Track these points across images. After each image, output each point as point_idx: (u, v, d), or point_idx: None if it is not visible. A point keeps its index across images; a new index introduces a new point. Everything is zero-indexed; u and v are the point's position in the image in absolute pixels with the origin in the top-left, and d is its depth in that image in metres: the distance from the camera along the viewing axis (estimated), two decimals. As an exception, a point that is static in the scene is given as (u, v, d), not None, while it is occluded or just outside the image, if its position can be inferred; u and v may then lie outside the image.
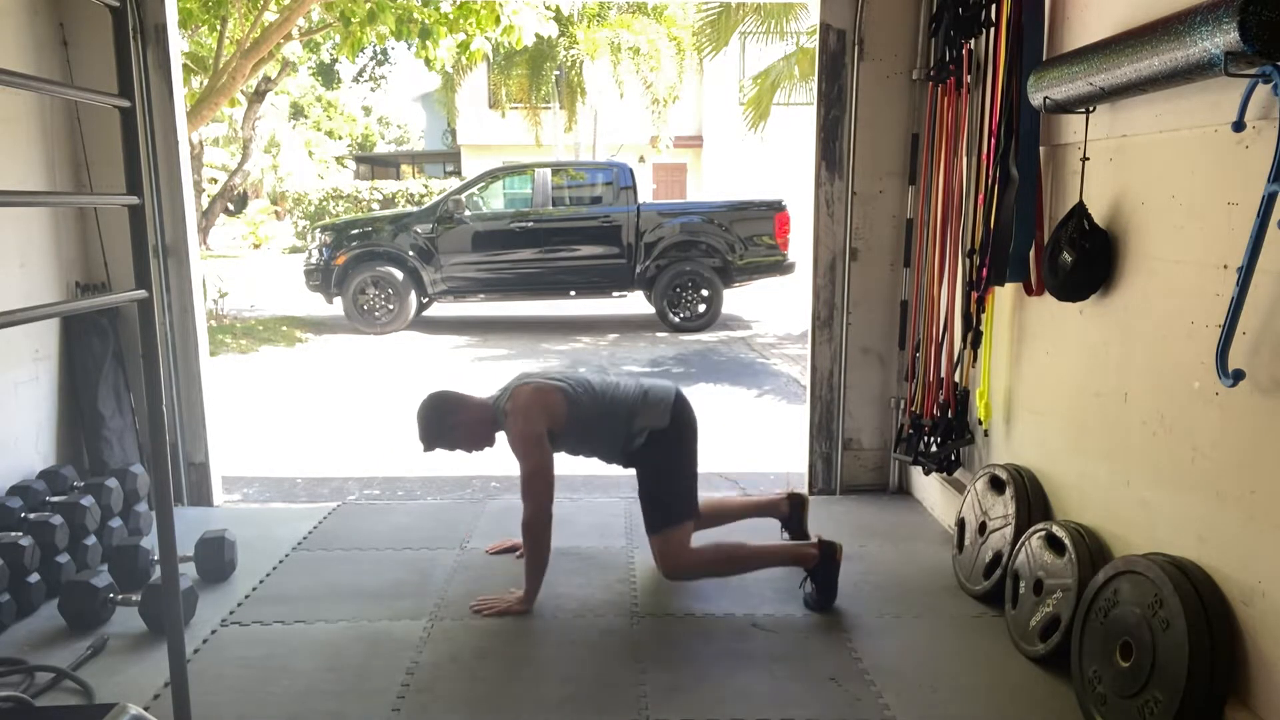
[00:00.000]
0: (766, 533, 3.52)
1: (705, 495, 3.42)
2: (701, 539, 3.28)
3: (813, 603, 3.13)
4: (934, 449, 3.78)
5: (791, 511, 3.56)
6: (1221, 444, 2.22)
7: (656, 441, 3.16)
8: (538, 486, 3.06)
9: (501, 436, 3.22)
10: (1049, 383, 3.10)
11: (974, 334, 3.42)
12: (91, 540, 3.42)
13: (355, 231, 10.74)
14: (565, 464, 3.61)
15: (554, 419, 3.10)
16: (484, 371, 8.33)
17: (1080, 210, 2.70)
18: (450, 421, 3.23)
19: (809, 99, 4.58)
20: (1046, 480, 3.10)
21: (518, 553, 3.48)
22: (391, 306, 10.33)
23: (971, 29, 3.45)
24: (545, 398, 3.11)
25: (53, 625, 3.00)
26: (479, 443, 3.27)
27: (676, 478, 3.21)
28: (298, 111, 30.54)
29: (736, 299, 11.97)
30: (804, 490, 4.33)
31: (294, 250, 21.14)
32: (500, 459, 4.01)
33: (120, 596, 3.04)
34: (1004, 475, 3.20)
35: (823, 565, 3.12)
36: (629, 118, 20.49)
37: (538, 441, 3.06)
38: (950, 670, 2.74)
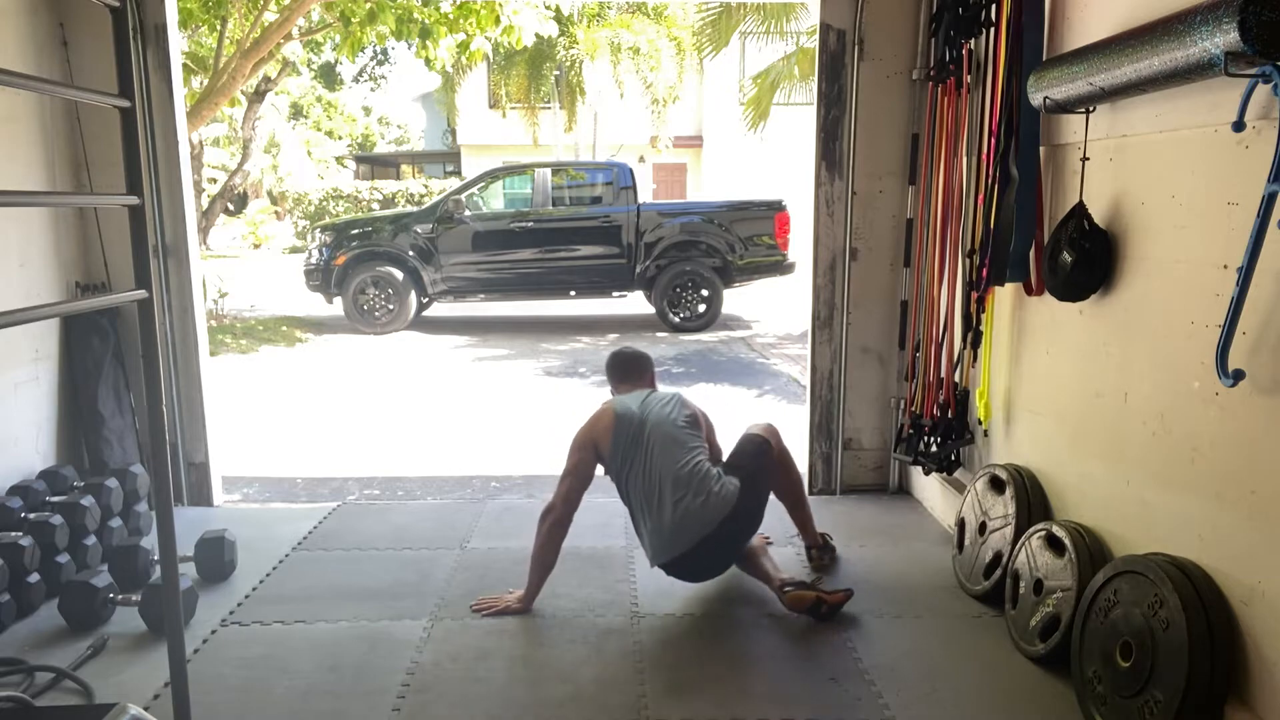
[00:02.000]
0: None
1: None
2: None
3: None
4: (934, 449, 3.78)
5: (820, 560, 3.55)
6: (1221, 444, 2.22)
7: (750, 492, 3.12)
8: (563, 486, 3.11)
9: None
10: (1049, 383, 3.10)
11: (974, 334, 3.42)
12: (91, 540, 3.42)
13: (355, 231, 10.74)
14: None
15: (600, 439, 3.13)
16: (484, 371, 8.33)
17: (1080, 210, 2.70)
18: (643, 374, 3.46)
19: (809, 99, 4.58)
20: (1046, 480, 3.10)
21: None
22: (391, 306, 10.33)
23: (971, 29, 3.45)
24: (605, 418, 3.16)
25: (53, 625, 3.00)
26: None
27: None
28: (298, 111, 30.53)
29: (736, 299, 11.97)
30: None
31: (294, 250, 21.13)
32: (499, 459, 4.02)
33: (120, 596, 3.04)
34: (1004, 475, 3.20)
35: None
36: (629, 118, 20.48)
37: (581, 446, 3.13)
38: (950, 670, 2.74)
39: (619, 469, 3.14)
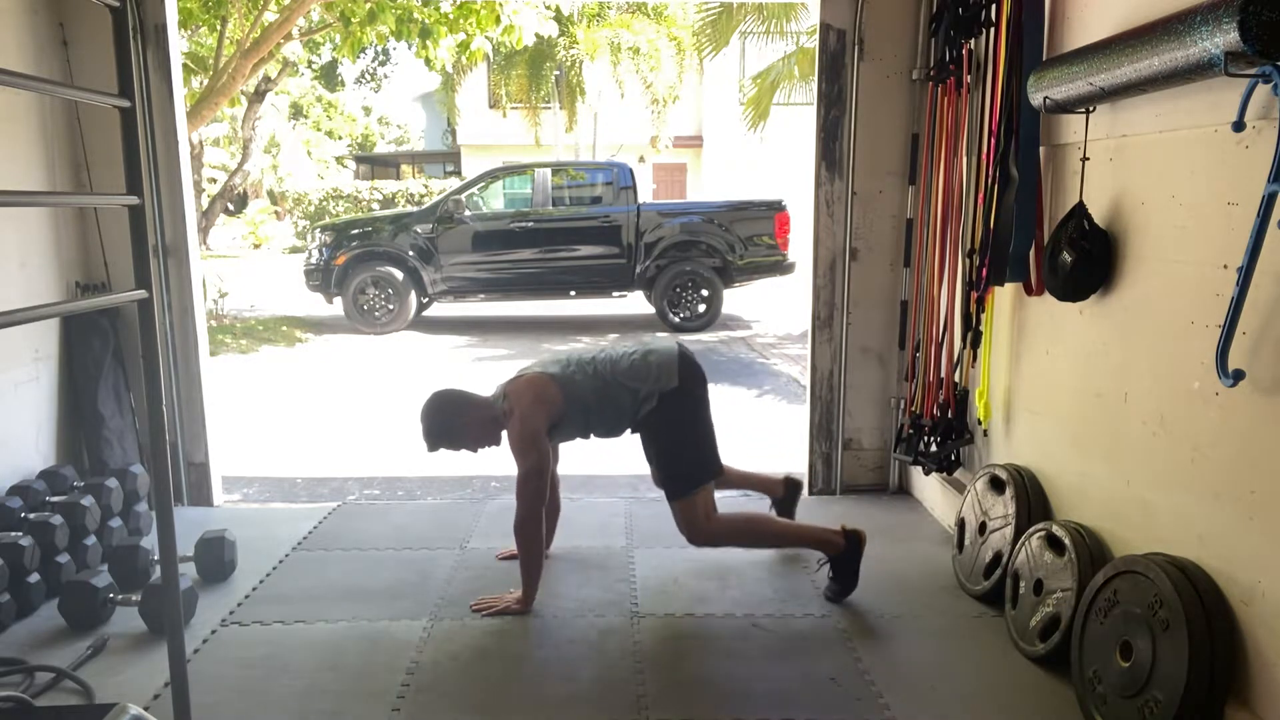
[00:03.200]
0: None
1: None
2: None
3: (831, 592, 3.14)
4: (934, 449, 3.78)
5: (786, 494, 3.62)
6: (1221, 444, 2.22)
7: (668, 403, 3.07)
8: (531, 488, 3.03)
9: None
10: (1049, 383, 3.10)
11: (974, 334, 3.42)
12: (91, 540, 3.42)
13: (355, 231, 10.74)
14: (565, 464, 3.62)
15: (551, 409, 3.06)
16: (484, 371, 8.32)
17: (1080, 210, 2.70)
18: (457, 422, 3.19)
19: (809, 99, 4.58)
20: (1046, 480, 3.10)
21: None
22: (391, 306, 10.33)
23: (971, 29, 3.45)
24: (538, 389, 3.08)
25: (53, 625, 3.00)
26: (485, 442, 3.23)
27: (694, 440, 3.14)
28: (298, 111, 30.52)
29: (736, 299, 11.97)
30: (804, 493, 4.34)
31: (294, 250, 21.13)
32: (499, 459, 4.02)
33: (120, 596, 3.04)
34: (1004, 475, 3.20)
35: (847, 553, 3.13)
36: (629, 118, 20.48)
37: (534, 441, 3.03)
38: (950, 670, 2.74)
39: (581, 415, 3.10)
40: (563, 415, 3.09)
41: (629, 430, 3.20)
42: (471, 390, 3.30)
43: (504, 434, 3.18)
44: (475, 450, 3.25)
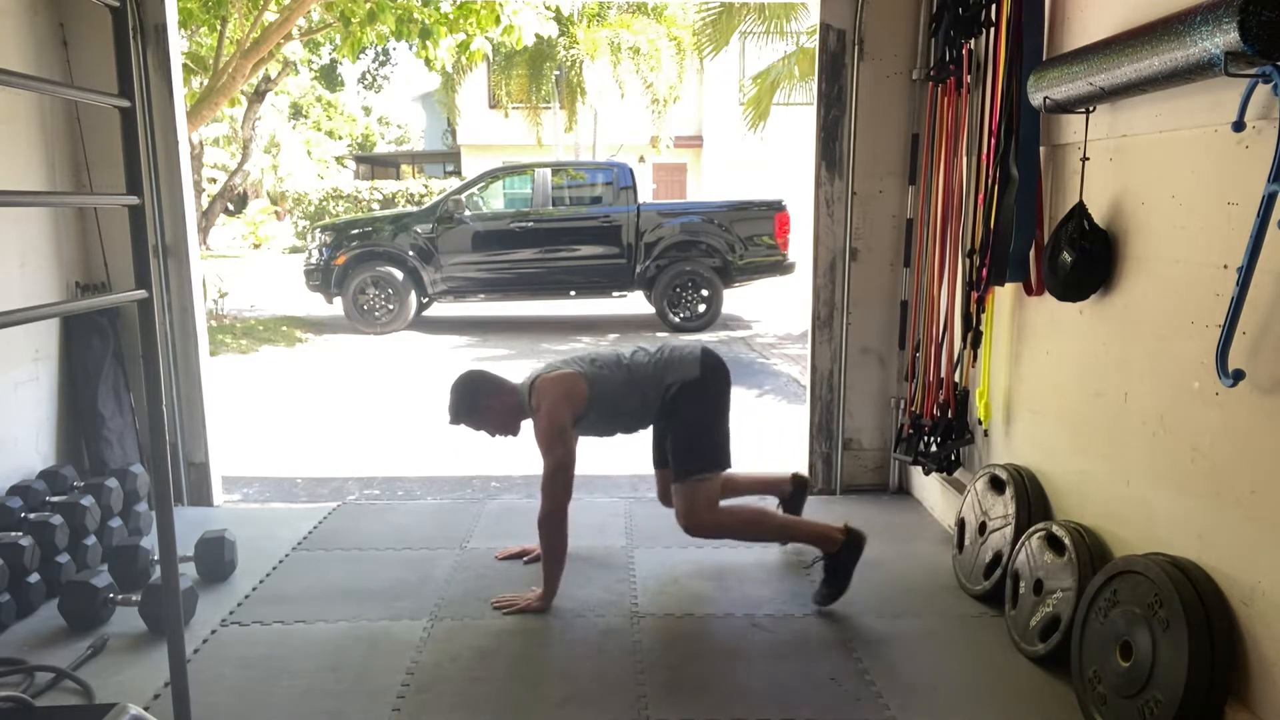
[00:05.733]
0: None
1: None
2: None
3: (819, 596, 3.12)
4: (934, 449, 3.78)
5: (794, 492, 3.61)
6: (1221, 444, 2.22)
7: (688, 392, 3.14)
8: (559, 482, 3.04)
9: (527, 426, 3.21)
10: (1049, 383, 3.10)
11: (974, 334, 3.42)
12: (91, 540, 3.42)
13: (355, 231, 10.74)
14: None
15: (576, 404, 3.09)
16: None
17: (1080, 210, 2.70)
18: (483, 403, 3.23)
19: (809, 99, 4.58)
20: (1046, 480, 3.10)
21: (526, 558, 3.49)
22: (391, 306, 10.33)
23: (971, 29, 3.45)
24: (567, 385, 3.11)
25: (53, 625, 3.00)
26: (505, 429, 3.26)
27: (709, 426, 3.19)
28: (298, 112, 30.52)
29: (736, 299, 11.97)
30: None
31: (294, 250, 21.13)
32: (499, 459, 4.02)
33: (120, 596, 3.04)
34: (1004, 475, 3.20)
35: (844, 552, 3.12)
36: (629, 118, 20.48)
37: (561, 437, 3.05)
38: (950, 670, 2.74)
39: (608, 409, 3.16)
40: (588, 411, 3.12)
41: (653, 421, 3.25)
42: (504, 376, 3.34)
43: (523, 425, 3.22)
44: (493, 435, 3.28)
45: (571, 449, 3.08)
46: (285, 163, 25.90)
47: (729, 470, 3.27)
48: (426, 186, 22.62)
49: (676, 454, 3.16)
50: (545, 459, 3.06)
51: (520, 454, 3.85)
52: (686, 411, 3.17)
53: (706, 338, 10.11)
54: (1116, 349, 2.67)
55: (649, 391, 3.16)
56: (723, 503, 3.22)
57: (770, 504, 3.75)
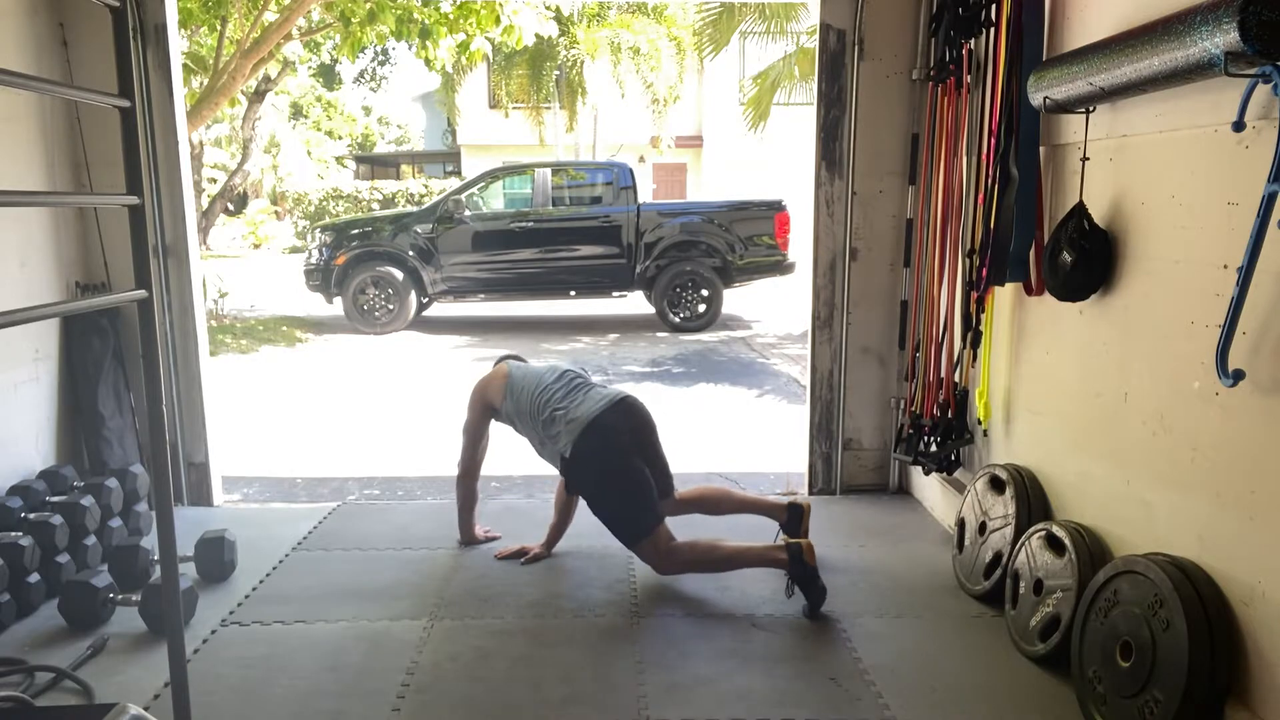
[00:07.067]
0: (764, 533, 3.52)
1: (709, 485, 3.62)
2: (694, 528, 3.38)
3: (805, 609, 3.10)
4: (934, 449, 3.78)
5: (789, 520, 3.53)
6: (1221, 444, 2.22)
7: (576, 469, 3.30)
8: (463, 440, 3.62)
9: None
10: (1049, 383, 3.10)
11: (974, 334, 3.42)
12: (91, 540, 3.42)
13: (355, 231, 10.74)
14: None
15: (493, 398, 3.55)
16: (484, 372, 8.32)
17: (1080, 210, 2.70)
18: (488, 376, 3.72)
19: (809, 99, 4.58)
20: (1046, 480, 3.10)
21: (524, 558, 3.51)
22: (391, 306, 10.33)
23: (971, 29, 3.45)
24: (488, 381, 3.61)
25: (53, 625, 3.00)
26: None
27: (619, 496, 3.27)
28: (298, 111, 30.52)
29: (736, 299, 11.96)
30: (804, 492, 4.34)
31: (294, 250, 21.12)
32: (499, 459, 4.02)
33: (120, 596, 3.04)
34: (1004, 475, 3.20)
35: (795, 565, 3.09)
36: (629, 118, 20.48)
37: (473, 405, 3.61)
38: (950, 670, 2.74)
39: (512, 419, 3.52)
40: (500, 409, 3.53)
41: (556, 467, 3.43)
42: (526, 364, 3.72)
43: (509, 428, 3.63)
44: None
45: (478, 418, 3.60)
46: (285, 163, 25.91)
47: (728, 487, 3.32)
48: (426, 186, 22.63)
49: (613, 529, 3.30)
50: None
51: (520, 454, 3.85)
52: (585, 489, 3.35)
53: (706, 338, 10.12)
54: (1116, 349, 2.67)
55: (536, 432, 3.41)
56: (695, 528, 3.38)
57: (758, 524, 3.67)
